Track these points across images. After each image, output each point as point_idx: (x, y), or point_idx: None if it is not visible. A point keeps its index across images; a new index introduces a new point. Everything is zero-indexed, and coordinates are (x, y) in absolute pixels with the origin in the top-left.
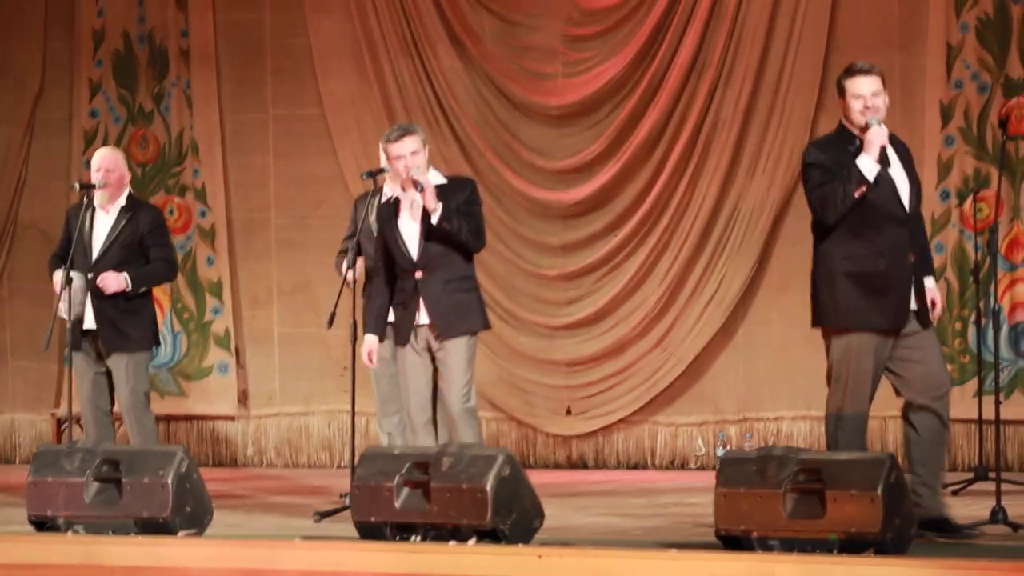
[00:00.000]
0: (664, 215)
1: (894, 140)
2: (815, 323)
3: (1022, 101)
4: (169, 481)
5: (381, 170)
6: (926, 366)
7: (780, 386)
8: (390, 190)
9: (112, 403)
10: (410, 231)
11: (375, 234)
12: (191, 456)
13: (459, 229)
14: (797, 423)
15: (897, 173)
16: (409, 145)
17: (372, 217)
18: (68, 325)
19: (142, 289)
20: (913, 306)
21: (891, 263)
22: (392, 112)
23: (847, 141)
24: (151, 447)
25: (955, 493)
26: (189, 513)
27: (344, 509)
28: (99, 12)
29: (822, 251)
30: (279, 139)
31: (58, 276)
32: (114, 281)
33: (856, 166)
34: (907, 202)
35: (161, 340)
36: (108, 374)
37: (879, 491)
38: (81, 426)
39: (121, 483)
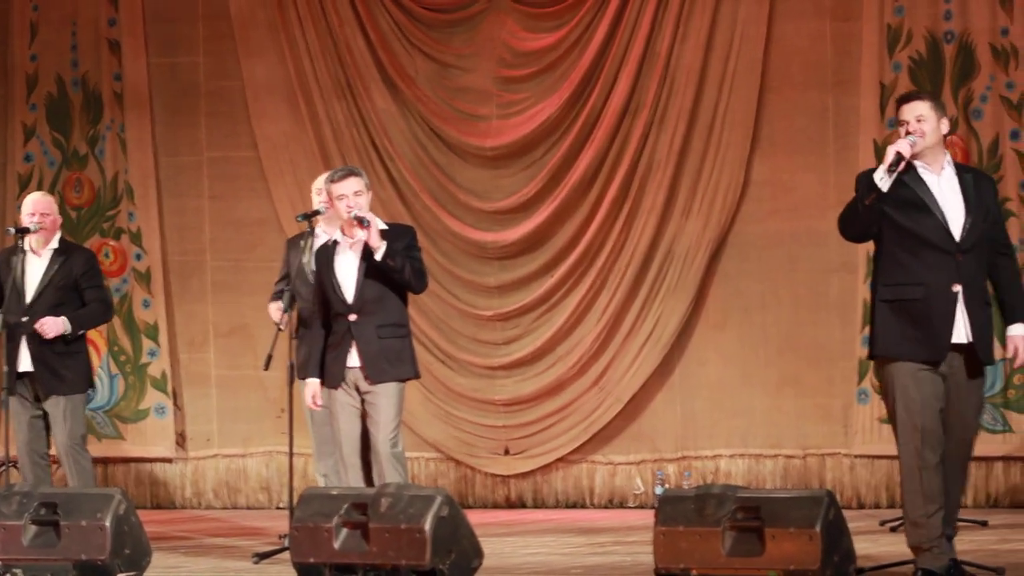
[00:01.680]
0: (600, 255)
1: (965, 172)
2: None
3: (955, 139)
4: (107, 523)
5: (316, 212)
6: (950, 414)
7: (718, 424)
8: (325, 233)
9: (49, 446)
10: (346, 274)
11: (310, 279)
12: (129, 498)
13: (403, 267)
14: (735, 461)
15: (950, 203)
16: (352, 185)
17: (305, 260)
18: (4, 369)
19: (80, 332)
20: (958, 339)
21: (930, 292)
22: (327, 154)
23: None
24: (89, 489)
25: (893, 530)
26: (128, 555)
27: (283, 550)
28: (32, 56)
29: (872, 281)
30: (214, 182)
31: None
32: (54, 325)
33: (872, 177)
34: (958, 233)
35: (97, 383)
36: (44, 417)
37: (818, 528)
38: (18, 469)
39: (59, 526)
